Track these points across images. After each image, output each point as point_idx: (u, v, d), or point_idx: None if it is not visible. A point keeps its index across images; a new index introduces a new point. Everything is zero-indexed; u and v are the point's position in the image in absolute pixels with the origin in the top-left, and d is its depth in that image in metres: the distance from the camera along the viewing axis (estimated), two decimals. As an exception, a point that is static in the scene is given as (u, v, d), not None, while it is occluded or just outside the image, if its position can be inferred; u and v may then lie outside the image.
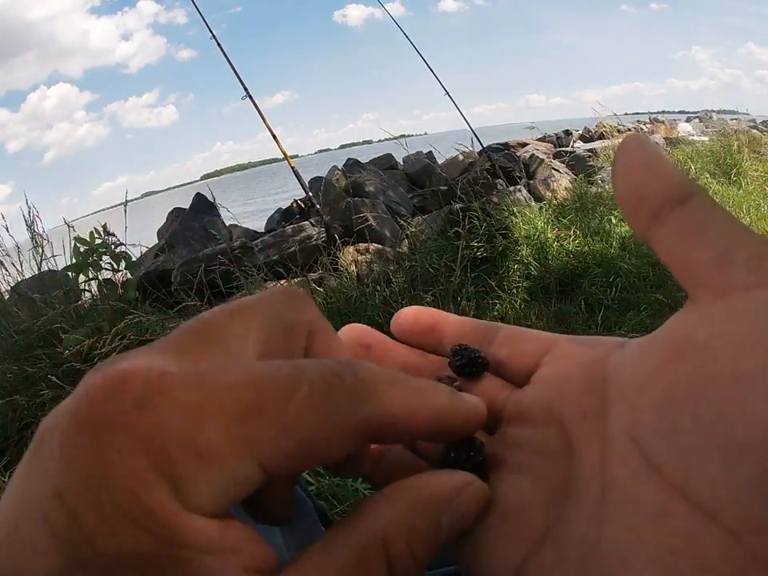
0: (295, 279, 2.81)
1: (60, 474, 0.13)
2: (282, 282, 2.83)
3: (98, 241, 2.55)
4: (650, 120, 9.42)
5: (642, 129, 7.86)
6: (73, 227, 2.68)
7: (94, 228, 2.59)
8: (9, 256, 2.78)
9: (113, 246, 2.59)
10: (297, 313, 0.20)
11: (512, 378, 0.23)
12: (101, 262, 2.58)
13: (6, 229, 2.78)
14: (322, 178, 4.35)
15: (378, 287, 2.61)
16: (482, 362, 0.23)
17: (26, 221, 2.80)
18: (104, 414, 0.14)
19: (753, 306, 0.15)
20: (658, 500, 0.15)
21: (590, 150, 6.05)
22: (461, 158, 5.26)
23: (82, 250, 2.52)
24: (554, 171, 4.86)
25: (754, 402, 0.14)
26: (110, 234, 2.57)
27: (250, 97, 3.72)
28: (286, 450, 0.15)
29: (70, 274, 2.61)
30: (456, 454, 0.21)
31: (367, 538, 0.16)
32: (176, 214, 4.35)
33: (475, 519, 0.19)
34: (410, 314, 0.26)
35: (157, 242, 4.18)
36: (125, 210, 2.83)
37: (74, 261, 2.54)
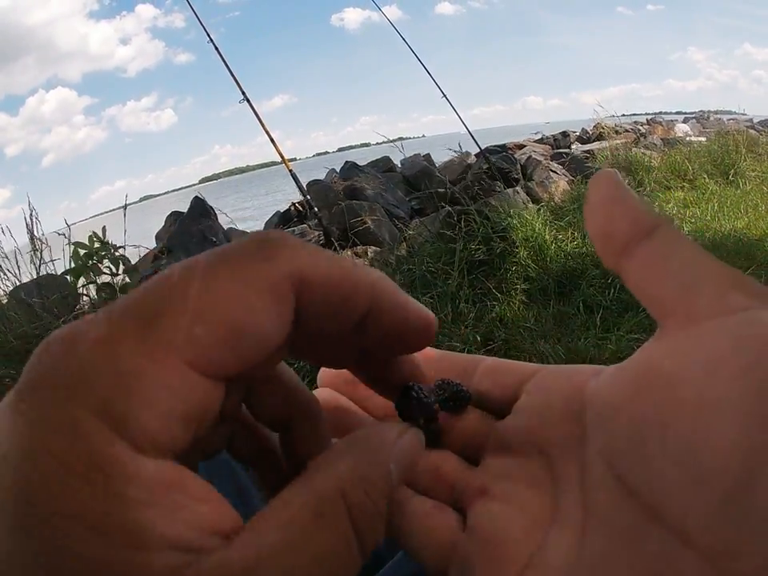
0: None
1: (5, 441, 0.13)
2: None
3: (96, 245, 2.55)
4: (648, 121, 9.44)
5: (639, 130, 7.87)
6: (65, 235, 2.68)
7: (93, 232, 2.59)
8: (8, 259, 2.77)
9: (113, 250, 2.60)
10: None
11: (494, 409, 0.24)
12: (100, 266, 2.59)
13: (5, 231, 2.78)
14: (320, 180, 4.35)
15: (377, 290, 2.61)
16: (465, 396, 0.24)
17: (27, 225, 2.80)
18: (35, 379, 0.14)
19: (716, 334, 0.16)
20: (635, 524, 0.16)
21: (587, 152, 6.06)
22: (458, 160, 5.27)
23: (81, 253, 2.52)
24: (551, 173, 4.87)
25: (717, 431, 0.14)
26: (104, 243, 2.57)
27: (248, 100, 3.72)
28: (204, 338, 0.15)
29: (68, 277, 2.61)
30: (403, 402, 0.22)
31: (325, 491, 0.16)
32: (174, 217, 4.35)
33: (415, 465, 0.20)
34: None
35: (155, 245, 4.18)
36: (124, 214, 2.83)
37: (72, 265, 2.54)
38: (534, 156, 5.31)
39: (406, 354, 0.21)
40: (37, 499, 0.13)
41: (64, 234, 2.67)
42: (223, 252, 0.16)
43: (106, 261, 2.59)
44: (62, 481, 0.13)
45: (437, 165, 5.20)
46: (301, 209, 4.12)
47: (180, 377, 0.14)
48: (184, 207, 4.31)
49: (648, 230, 0.18)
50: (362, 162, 4.89)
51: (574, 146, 7.10)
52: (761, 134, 6.53)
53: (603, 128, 6.62)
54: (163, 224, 4.49)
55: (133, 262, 2.85)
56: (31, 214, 2.79)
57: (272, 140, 3.73)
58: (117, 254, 2.62)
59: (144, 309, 0.15)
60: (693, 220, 3.83)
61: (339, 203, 3.63)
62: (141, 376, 0.14)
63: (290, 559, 0.14)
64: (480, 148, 4.96)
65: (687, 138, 7.04)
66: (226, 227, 4.23)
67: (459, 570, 0.20)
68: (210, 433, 0.20)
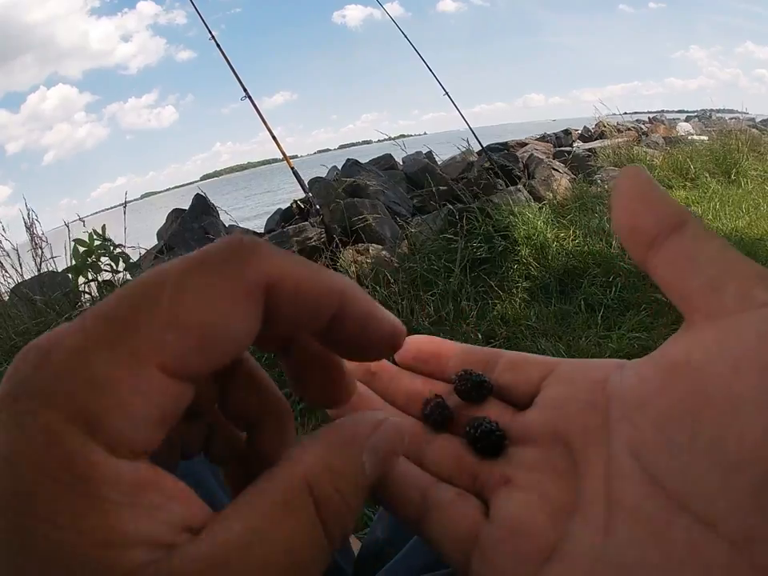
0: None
1: None
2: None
3: (96, 242, 2.55)
4: (650, 119, 9.42)
5: (641, 128, 7.86)
6: (82, 222, 2.68)
7: (93, 229, 2.59)
8: (9, 257, 2.77)
9: (112, 248, 2.60)
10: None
11: (515, 401, 0.24)
12: (100, 264, 2.59)
13: (6, 228, 2.78)
14: (321, 178, 4.35)
15: (378, 288, 2.61)
16: (487, 386, 0.24)
17: (25, 223, 2.80)
18: (12, 387, 0.14)
19: (741, 329, 0.16)
20: (661, 513, 0.16)
21: (589, 150, 6.05)
22: (460, 158, 5.25)
23: (81, 251, 2.52)
24: (553, 171, 4.85)
25: (747, 424, 0.15)
26: (107, 240, 2.57)
27: (249, 97, 3.72)
28: (174, 343, 0.15)
29: (69, 275, 2.61)
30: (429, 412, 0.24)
31: (291, 482, 0.16)
32: (176, 214, 4.34)
33: (393, 458, 0.19)
34: (413, 344, 0.26)
35: (156, 243, 4.18)
36: (124, 211, 2.83)
37: (73, 262, 2.54)
38: (535, 154, 5.30)
39: (370, 360, 0.21)
40: (11, 503, 0.13)
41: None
42: (196, 257, 0.16)
43: (105, 258, 2.59)
44: (36, 483, 0.13)
45: (438, 162, 5.19)
46: (302, 206, 4.12)
47: (150, 381, 0.15)
48: (185, 204, 4.31)
49: (676, 225, 0.18)
50: (363, 160, 4.89)
51: (575, 144, 7.09)
52: (763, 134, 6.51)
53: (605, 126, 6.61)
54: (165, 221, 4.48)
55: (133, 261, 2.85)
56: (29, 214, 2.79)
57: (274, 137, 3.72)
58: (116, 251, 2.62)
59: (117, 316, 0.15)
60: (695, 219, 3.82)
61: (341, 201, 3.63)
62: (113, 382, 0.14)
63: (256, 549, 0.15)
64: (482, 145, 4.95)
65: (689, 137, 7.03)
66: (227, 224, 4.23)
67: (481, 559, 0.20)
68: (186, 433, 0.21)
